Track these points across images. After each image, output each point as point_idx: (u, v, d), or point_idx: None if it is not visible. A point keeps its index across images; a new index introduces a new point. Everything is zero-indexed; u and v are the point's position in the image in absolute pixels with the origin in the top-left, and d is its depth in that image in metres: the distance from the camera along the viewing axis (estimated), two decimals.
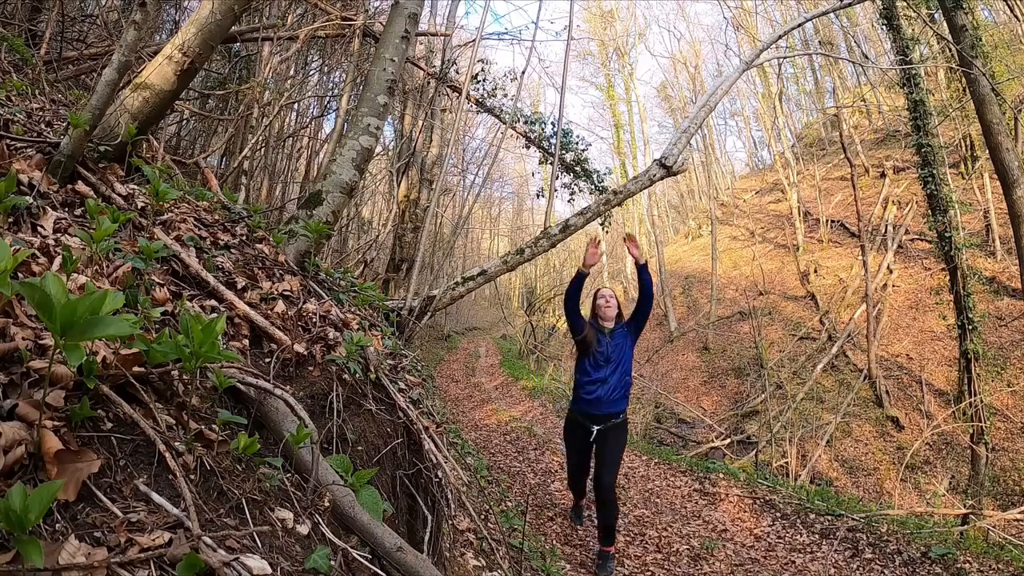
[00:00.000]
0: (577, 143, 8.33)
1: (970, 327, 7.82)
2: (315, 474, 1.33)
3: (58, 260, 1.33)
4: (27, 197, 1.52)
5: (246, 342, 1.69)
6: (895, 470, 9.69)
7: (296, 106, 10.45)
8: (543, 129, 8.40)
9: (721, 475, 5.71)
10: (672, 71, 28.30)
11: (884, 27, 8.83)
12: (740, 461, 8.91)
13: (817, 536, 4.40)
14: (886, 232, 16.26)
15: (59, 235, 1.51)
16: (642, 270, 3.72)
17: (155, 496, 0.98)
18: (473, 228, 31.85)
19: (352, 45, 8.05)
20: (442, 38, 10.82)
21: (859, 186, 13.45)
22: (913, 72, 8.20)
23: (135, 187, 2.05)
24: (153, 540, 0.88)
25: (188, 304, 1.57)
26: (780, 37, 5.50)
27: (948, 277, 8.66)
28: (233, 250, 2.17)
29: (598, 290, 3.91)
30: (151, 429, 1.08)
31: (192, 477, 1.08)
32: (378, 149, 4.97)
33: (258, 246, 2.35)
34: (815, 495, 5.14)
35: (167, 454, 1.05)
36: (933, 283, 13.58)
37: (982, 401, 7.66)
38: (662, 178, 4.64)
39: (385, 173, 13.59)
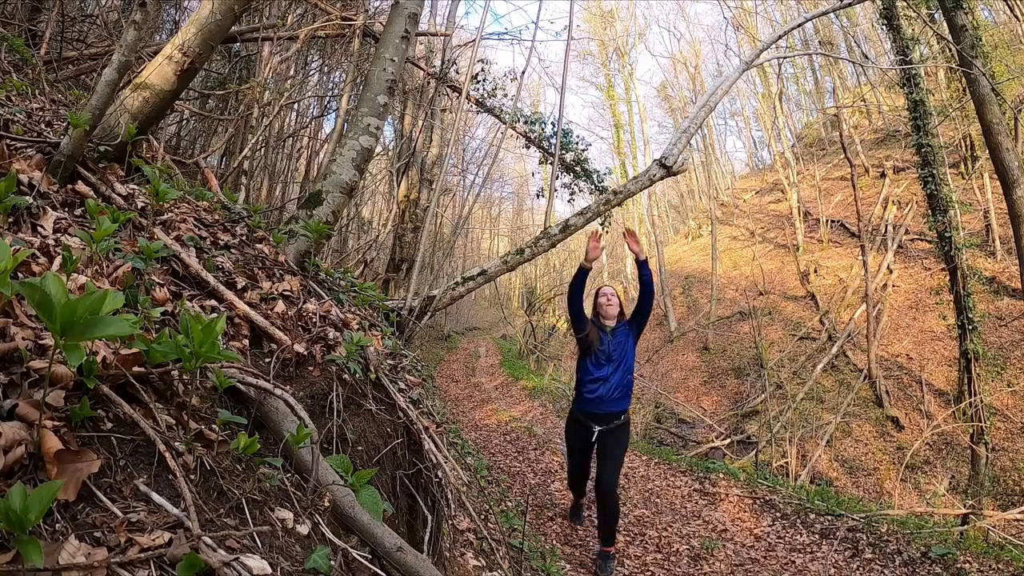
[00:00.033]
0: (577, 143, 8.33)
1: (970, 327, 7.82)
2: (315, 474, 1.33)
3: (58, 260, 1.33)
4: (27, 197, 1.52)
5: (246, 342, 1.69)
6: (895, 470, 9.69)
7: (296, 106, 10.45)
8: (543, 129, 8.39)
9: (721, 475, 5.71)
10: (672, 71, 28.33)
11: (884, 27, 8.83)
12: (740, 461, 8.91)
13: (817, 536, 4.40)
14: (886, 232, 16.26)
15: (59, 235, 1.51)
16: (642, 266, 3.69)
17: (155, 496, 0.98)
18: (473, 228, 31.86)
19: (352, 45, 8.05)
20: (442, 38, 10.82)
21: (859, 186, 13.45)
22: (913, 72, 8.20)
23: (135, 187, 2.05)
24: (153, 540, 0.88)
25: (188, 304, 1.57)
26: (780, 37, 5.50)
27: (948, 277, 8.66)
28: (233, 250, 2.17)
29: (599, 288, 3.90)
30: (151, 429, 1.08)
31: (192, 477, 1.08)
32: (378, 149, 4.97)
33: (258, 246, 2.35)
34: (815, 495, 5.14)
35: (167, 454, 1.05)
36: (933, 283, 13.59)
37: (982, 401, 7.66)
38: (662, 178, 4.63)
39: (385, 173, 13.59)
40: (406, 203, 11.40)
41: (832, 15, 18.73)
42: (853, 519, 4.46)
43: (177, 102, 3.89)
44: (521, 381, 12.34)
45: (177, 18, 7.72)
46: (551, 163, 7.39)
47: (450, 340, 21.96)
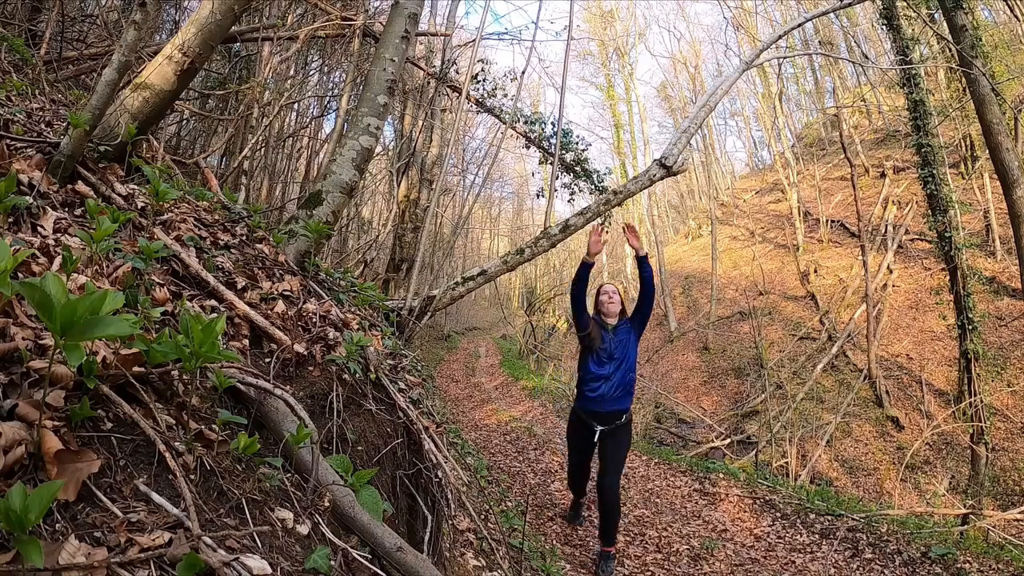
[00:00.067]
0: (577, 143, 8.33)
1: (970, 327, 7.82)
2: (315, 474, 1.33)
3: (58, 260, 1.33)
4: (27, 197, 1.52)
5: (246, 342, 1.69)
6: (895, 470, 9.69)
7: (296, 106, 10.45)
8: (543, 129, 8.40)
9: (721, 475, 5.71)
10: (672, 71, 28.33)
11: (884, 27, 8.83)
12: (740, 461, 8.91)
13: (817, 536, 4.40)
14: (886, 232, 16.26)
15: (59, 235, 1.51)
16: (643, 262, 3.66)
17: (155, 496, 0.98)
18: (473, 228, 31.86)
19: (352, 45, 8.05)
20: (442, 38, 10.82)
21: (859, 186, 13.46)
22: (913, 72, 8.20)
23: (135, 187, 2.05)
24: (153, 540, 0.88)
25: (188, 304, 1.57)
26: (780, 37, 5.50)
27: (948, 277, 8.66)
28: (233, 250, 2.17)
29: (601, 286, 3.88)
30: (151, 429, 1.08)
31: (192, 477, 1.08)
32: (378, 149, 4.97)
33: (258, 246, 2.35)
34: (815, 495, 5.14)
35: (167, 454, 1.05)
36: (933, 283, 13.59)
37: (982, 401, 7.66)
38: (662, 178, 4.63)
39: (385, 173, 13.60)
40: (406, 203, 11.40)
41: (832, 15, 18.73)
42: (853, 519, 4.46)
43: (177, 102, 3.89)
44: (521, 381, 12.34)
45: (177, 18, 7.73)
46: (551, 163, 7.39)
47: (450, 340, 21.96)
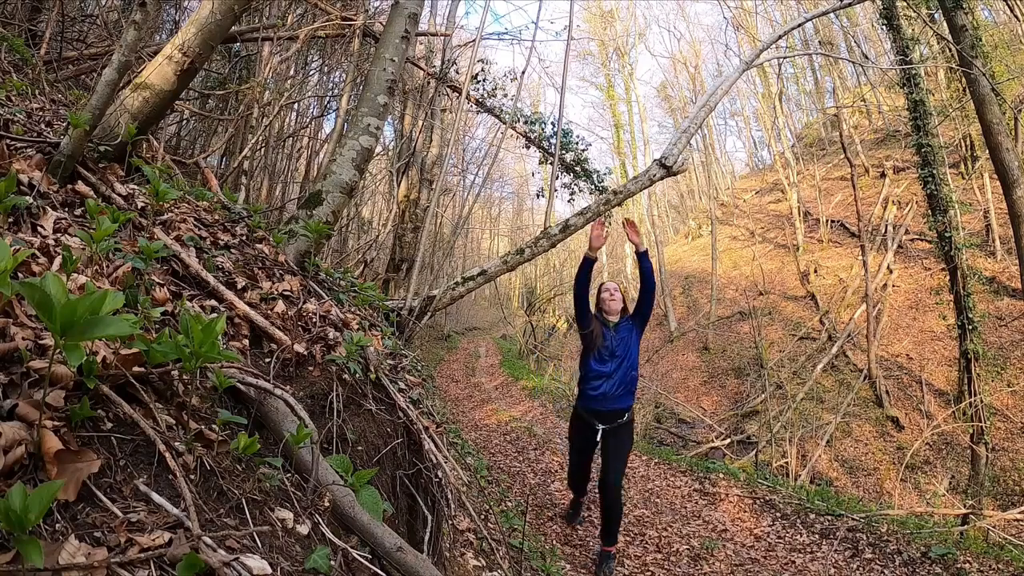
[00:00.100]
0: (577, 143, 8.33)
1: (970, 327, 7.82)
2: (315, 474, 1.33)
3: (58, 260, 1.33)
4: (27, 197, 1.52)
5: (246, 342, 1.69)
6: (895, 470, 9.69)
7: (296, 106, 10.45)
8: (543, 129, 8.40)
9: (721, 475, 5.71)
10: (672, 71, 28.33)
11: (884, 27, 8.83)
12: (740, 461, 8.91)
13: (817, 536, 4.40)
14: (886, 232, 16.27)
15: (59, 235, 1.51)
16: (643, 258, 3.64)
17: (155, 496, 0.98)
18: (473, 228, 31.86)
19: (352, 45, 8.05)
20: (442, 38, 10.82)
21: (859, 186, 13.45)
22: (913, 72, 8.20)
23: (135, 187, 2.05)
24: (153, 540, 0.88)
25: (188, 304, 1.57)
26: (780, 37, 5.50)
27: (948, 277, 8.66)
28: (233, 250, 2.17)
29: (603, 284, 3.88)
30: (151, 429, 1.08)
31: (192, 477, 1.08)
32: (378, 149, 4.97)
33: (258, 246, 2.35)
34: (815, 495, 5.14)
35: (167, 454, 1.05)
36: (933, 283, 13.59)
37: (982, 401, 7.66)
38: (662, 178, 4.63)
39: (385, 173, 13.60)
40: (406, 203, 11.40)
41: (832, 15, 18.73)
42: (853, 519, 4.46)
43: (177, 102, 3.89)
44: (521, 381, 12.34)
45: (177, 18, 7.73)
46: (551, 163, 7.39)
47: (450, 340, 21.95)
